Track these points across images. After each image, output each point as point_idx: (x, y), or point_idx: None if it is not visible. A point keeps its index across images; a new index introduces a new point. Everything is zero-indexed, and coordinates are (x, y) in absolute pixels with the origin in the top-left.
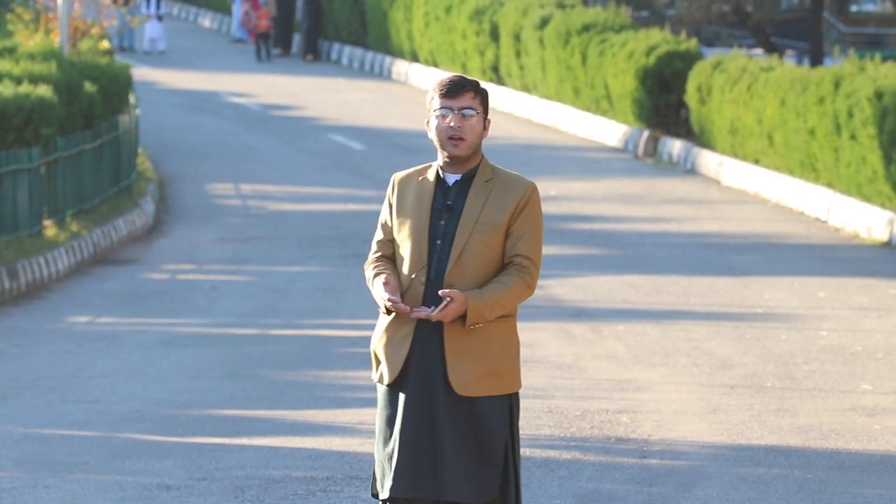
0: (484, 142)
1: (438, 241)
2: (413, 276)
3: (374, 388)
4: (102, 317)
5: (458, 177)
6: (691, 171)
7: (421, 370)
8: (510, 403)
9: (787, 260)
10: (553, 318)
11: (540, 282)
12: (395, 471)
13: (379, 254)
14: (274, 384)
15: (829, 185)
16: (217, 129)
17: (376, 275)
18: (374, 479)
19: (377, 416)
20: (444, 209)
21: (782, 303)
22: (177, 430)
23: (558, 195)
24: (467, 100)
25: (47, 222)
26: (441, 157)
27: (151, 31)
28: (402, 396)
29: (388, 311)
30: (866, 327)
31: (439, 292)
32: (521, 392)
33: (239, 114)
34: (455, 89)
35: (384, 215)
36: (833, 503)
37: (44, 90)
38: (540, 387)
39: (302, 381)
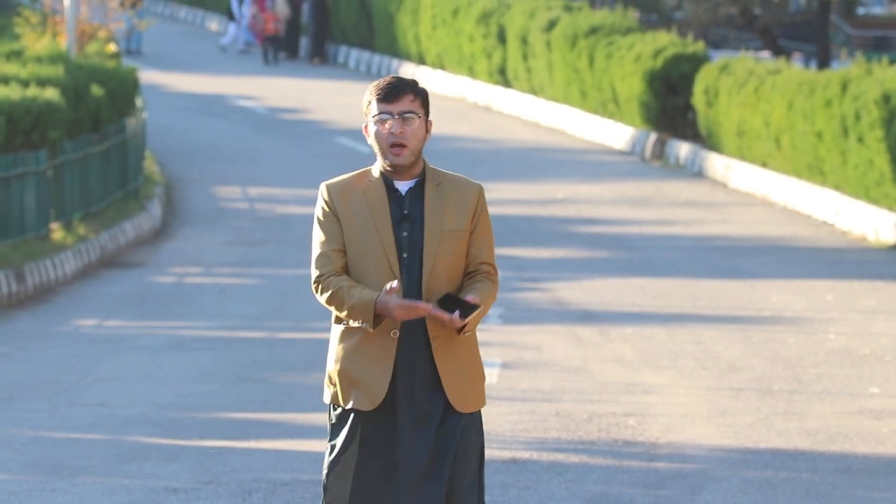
0: (490, 145)
1: (405, 254)
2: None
3: None
4: (109, 320)
5: (411, 184)
6: (698, 173)
7: (408, 390)
8: (479, 416)
9: (794, 263)
10: (560, 321)
11: (547, 284)
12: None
13: (335, 266)
14: (281, 387)
15: (837, 187)
16: (224, 132)
17: (350, 287)
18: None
19: (341, 444)
20: (402, 219)
21: (790, 306)
22: (184, 433)
23: (565, 198)
24: (407, 103)
25: (54, 225)
26: (383, 164)
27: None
28: (385, 418)
29: (376, 325)
30: (874, 330)
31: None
32: (528, 395)
33: (246, 117)
34: (393, 93)
35: (327, 227)
36: None
37: (51, 93)
38: (547, 390)
39: (309, 383)
